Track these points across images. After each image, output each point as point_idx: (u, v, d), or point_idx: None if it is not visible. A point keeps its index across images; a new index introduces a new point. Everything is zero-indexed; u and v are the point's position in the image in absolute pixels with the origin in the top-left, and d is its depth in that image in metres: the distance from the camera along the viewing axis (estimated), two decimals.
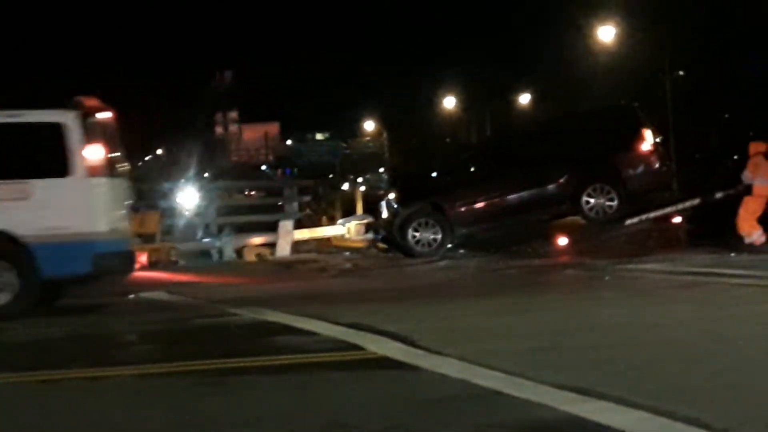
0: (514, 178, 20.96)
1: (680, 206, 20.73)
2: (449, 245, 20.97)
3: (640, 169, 20.82)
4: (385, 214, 21.69)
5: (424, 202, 21.24)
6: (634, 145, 20.86)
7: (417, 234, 20.79)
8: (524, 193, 20.87)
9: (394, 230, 21.02)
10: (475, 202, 21.04)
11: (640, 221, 20.68)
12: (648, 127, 21.59)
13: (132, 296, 16.21)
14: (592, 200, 20.62)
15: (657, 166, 21.14)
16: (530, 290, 14.68)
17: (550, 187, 20.83)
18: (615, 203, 20.64)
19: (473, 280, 16.98)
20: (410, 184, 25.37)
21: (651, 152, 21.00)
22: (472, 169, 21.66)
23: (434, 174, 24.26)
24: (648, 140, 21.00)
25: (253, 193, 32.91)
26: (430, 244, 20.76)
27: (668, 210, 20.71)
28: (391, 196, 21.90)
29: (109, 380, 8.68)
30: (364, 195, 32.37)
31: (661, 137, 23.57)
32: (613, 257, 18.39)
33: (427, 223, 20.87)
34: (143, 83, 43.04)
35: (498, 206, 20.94)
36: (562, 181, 20.74)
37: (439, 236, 20.82)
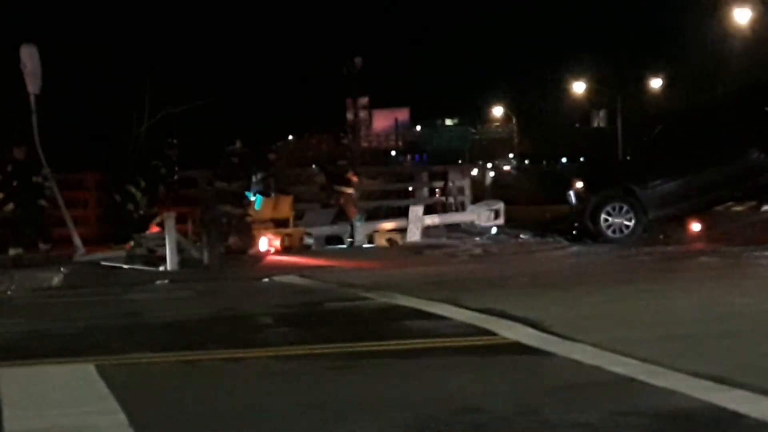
0: (705, 153, 20.17)
1: None
2: (642, 228, 20.38)
3: None
4: (574, 203, 21.41)
5: (614, 186, 20.83)
6: None
7: (609, 219, 20.39)
8: (716, 169, 20.05)
9: (585, 218, 20.64)
10: (667, 183, 20.39)
11: None
12: None
13: (266, 280, 16.50)
14: None
15: None
16: (663, 277, 14.51)
17: (744, 159, 19.97)
18: None
19: (605, 267, 16.83)
20: (599, 169, 24.87)
21: None
22: (661, 148, 21.08)
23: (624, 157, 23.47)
24: None
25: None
26: (622, 230, 20.33)
27: None
28: (579, 184, 21.57)
29: (246, 361, 8.88)
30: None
31: None
32: (748, 244, 18.04)
33: (619, 208, 20.46)
34: (273, 70, 43.55)
35: (690, 185, 20.29)
36: (758, 151, 19.99)
37: (632, 221, 20.39)
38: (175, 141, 22.12)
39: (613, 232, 20.29)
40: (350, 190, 22.67)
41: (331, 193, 22.93)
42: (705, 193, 20.27)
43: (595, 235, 20.35)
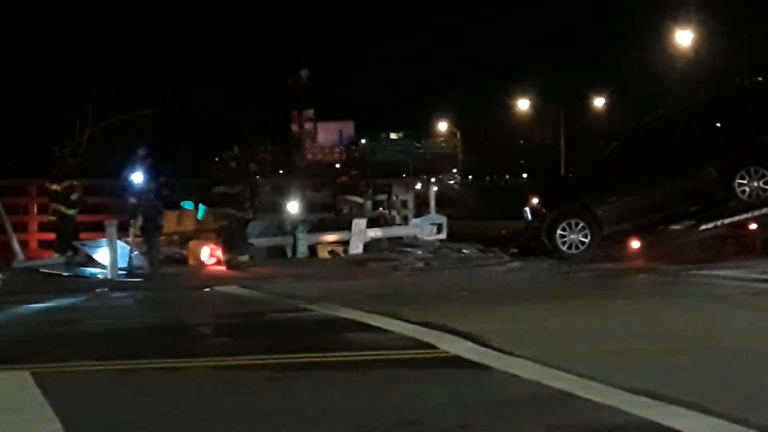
0: (660, 170, 20.23)
1: (756, 213, 20.36)
2: (597, 244, 20.43)
3: None
4: (529, 219, 21.49)
5: (570, 202, 20.84)
6: None
7: (565, 235, 20.46)
8: (671, 184, 20.12)
9: (542, 235, 20.67)
10: (622, 199, 20.44)
11: (715, 227, 20.38)
12: None
13: (207, 289, 16.43)
14: (745, 184, 19.92)
15: None
16: (602, 294, 14.64)
17: (699, 174, 20.04)
18: None
19: (545, 283, 16.97)
20: (555, 186, 24.77)
21: None
22: (617, 164, 21.13)
23: (577, 174, 23.50)
24: None
25: None
26: (578, 246, 20.38)
27: (744, 216, 20.36)
28: (534, 200, 21.63)
29: (185, 371, 8.85)
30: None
31: None
32: (686, 263, 18.26)
33: (575, 224, 20.53)
34: (218, 82, 43.46)
35: (646, 201, 20.40)
36: (711, 166, 20.15)
37: (588, 237, 20.50)
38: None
39: (569, 247, 20.37)
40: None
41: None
42: (660, 209, 20.45)
43: (551, 251, 20.47)
